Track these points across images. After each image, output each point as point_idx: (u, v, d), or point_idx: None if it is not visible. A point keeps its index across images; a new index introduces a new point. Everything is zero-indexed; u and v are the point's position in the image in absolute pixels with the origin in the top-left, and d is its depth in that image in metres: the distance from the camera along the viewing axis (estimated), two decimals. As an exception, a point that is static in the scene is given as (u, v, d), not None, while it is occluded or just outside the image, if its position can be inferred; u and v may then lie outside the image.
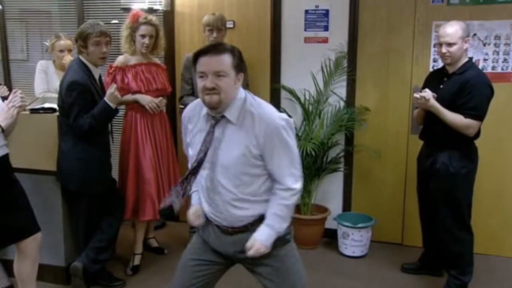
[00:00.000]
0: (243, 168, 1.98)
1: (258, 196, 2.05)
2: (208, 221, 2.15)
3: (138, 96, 3.53)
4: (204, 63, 1.93)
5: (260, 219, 2.05)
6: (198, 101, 2.10)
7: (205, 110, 2.03)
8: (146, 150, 3.56)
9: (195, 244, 2.23)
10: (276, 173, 2.02)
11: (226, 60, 1.93)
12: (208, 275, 2.17)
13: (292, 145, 2.02)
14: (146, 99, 3.52)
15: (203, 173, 2.05)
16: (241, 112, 1.99)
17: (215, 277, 2.21)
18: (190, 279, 2.15)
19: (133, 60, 3.57)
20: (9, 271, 3.13)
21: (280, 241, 2.08)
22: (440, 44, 3.06)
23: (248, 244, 2.01)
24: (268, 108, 2.06)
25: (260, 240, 2.00)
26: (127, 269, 3.62)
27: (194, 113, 2.12)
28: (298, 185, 2.05)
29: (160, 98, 3.61)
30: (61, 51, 3.81)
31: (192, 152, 2.10)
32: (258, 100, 2.08)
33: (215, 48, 1.95)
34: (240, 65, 2.00)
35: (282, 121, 2.01)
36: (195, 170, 2.04)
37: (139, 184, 3.54)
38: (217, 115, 2.00)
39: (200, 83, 1.95)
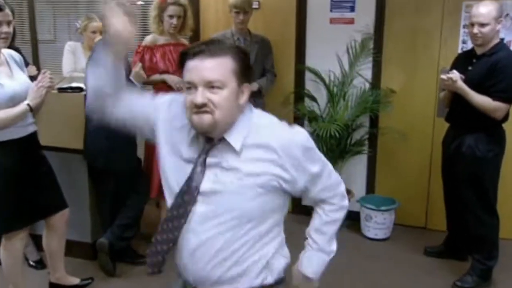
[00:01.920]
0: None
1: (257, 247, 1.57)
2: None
3: (165, 76, 3.55)
4: (193, 69, 1.41)
5: None
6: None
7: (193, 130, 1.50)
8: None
9: None
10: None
11: (224, 64, 1.41)
12: None
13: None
14: (173, 79, 3.54)
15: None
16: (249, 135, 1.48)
17: None
18: None
19: (161, 40, 3.59)
20: (38, 246, 3.23)
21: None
22: (471, 24, 2.97)
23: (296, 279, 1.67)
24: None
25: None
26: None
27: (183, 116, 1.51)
28: None
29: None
30: (93, 32, 3.87)
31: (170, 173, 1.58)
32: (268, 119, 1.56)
33: (208, 48, 1.41)
34: (245, 73, 1.46)
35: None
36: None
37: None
38: (215, 137, 1.47)
39: (187, 97, 1.43)
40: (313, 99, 4.16)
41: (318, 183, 1.61)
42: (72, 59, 4.02)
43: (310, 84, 4.20)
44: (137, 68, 3.10)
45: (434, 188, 3.94)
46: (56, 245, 2.98)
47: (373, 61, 4.02)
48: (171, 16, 3.53)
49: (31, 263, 3.41)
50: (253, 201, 1.46)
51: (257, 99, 3.66)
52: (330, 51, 4.07)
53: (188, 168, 1.49)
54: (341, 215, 1.70)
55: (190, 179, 1.48)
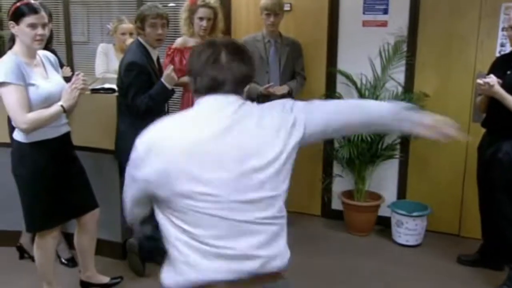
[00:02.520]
0: None
1: None
2: None
3: (194, 78, 3.56)
4: None
5: None
6: None
7: None
8: (201, 132, 3.60)
9: None
10: None
11: None
12: None
13: None
14: (202, 81, 3.55)
15: None
16: None
17: None
18: None
19: (191, 42, 3.61)
20: (70, 244, 3.28)
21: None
22: (511, 27, 2.90)
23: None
24: None
25: None
26: (180, 248, 3.70)
27: None
28: None
29: (216, 81, 3.63)
30: (123, 34, 3.91)
31: None
32: None
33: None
34: None
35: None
36: None
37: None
38: None
39: None
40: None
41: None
42: (104, 61, 4.08)
43: (342, 87, 4.15)
44: (168, 70, 3.11)
45: (468, 194, 3.84)
46: (87, 244, 3.02)
47: (406, 64, 3.96)
48: (201, 18, 3.54)
49: (63, 261, 3.47)
50: None
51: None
52: (363, 54, 4.02)
53: None
54: None
55: None
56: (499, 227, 3.13)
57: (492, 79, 2.91)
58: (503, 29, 3.59)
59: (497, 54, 3.61)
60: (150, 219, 3.36)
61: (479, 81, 2.96)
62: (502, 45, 3.64)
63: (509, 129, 2.99)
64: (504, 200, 3.04)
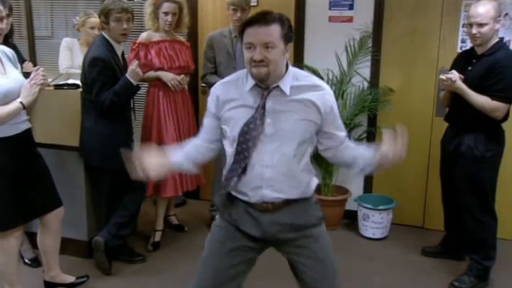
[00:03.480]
0: (303, 135, 1.94)
1: (304, 172, 2.01)
2: (237, 205, 2.01)
3: (160, 73, 3.53)
4: (252, 33, 1.84)
5: (295, 200, 2.01)
6: (230, 79, 2.02)
7: (250, 83, 1.93)
8: (168, 127, 3.57)
9: (221, 233, 2.06)
10: (338, 134, 2.04)
11: (275, 30, 1.84)
12: (243, 262, 2.03)
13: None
14: (168, 76, 3.52)
15: (250, 146, 1.90)
16: (294, 83, 1.93)
17: (249, 265, 2.07)
18: (225, 269, 2.00)
19: (156, 36, 3.57)
20: (34, 244, 3.21)
21: (315, 222, 2.05)
22: (470, 25, 2.95)
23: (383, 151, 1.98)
24: (317, 79, 2.03)
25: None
26: (147, 245, 3.67)
27: (231, 92, 1.98)
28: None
29: (182, 76, 3.61)
30: (92, 28, 3.85)
31: (231, 128, 1.95)
32: (304, 72, 2.08)
33: (263, 18, 1.85)
34: (288, 35, 1.90)
35: (329, 89, 2.01)
36: (245, 147, 1.90)
37: (161, 161, 3.55)
38: (270, 85, 1.91)
39: (247, 55, 1.87)
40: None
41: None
42: (69, 56, 4.00)
43: (308, 83, 4.17)
44: (133, 66, 3.07)
45: (432, 187, 3.93)
46: (50, 243, 2.96)
47: (372, 59, 4.01)
48: (166, 13, 3.50)
49: (26, 261, 3.39)
50: (303, 131, 1.94)
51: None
52: (329, 49, 4.05)
53: (251, 111, 1.91)
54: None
55: (253, 117, 1.89)
56: (461, 219, 3.20)
57: (454, 75, 2.97)
58: (463, 26, 3.68)
59: (459, 50, 3.69)
60: (130, 222, 3.36)
61: (442, 76, 3.02)
62: (463, 41, 3.73)
63: (470, 123, 3.05)
64: (466, 193, 3.11)
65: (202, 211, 4.32)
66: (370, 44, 3.97)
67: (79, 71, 3.42)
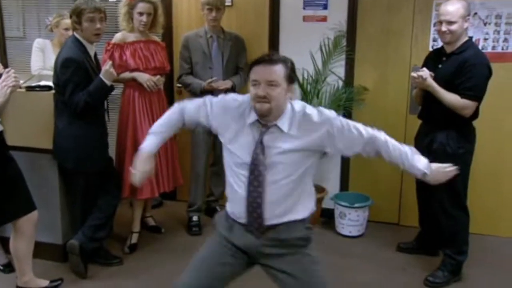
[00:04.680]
0: (300, 164, 2.08)
1: (303, 194, 2.15)
2: (232, 222, 2.18)
3: (136, 74, 3.50)
4: (258, 71, 2.02)
5: (293, 222, 2.15)
6: (243, 100, 2.15)
7: (252, 117, 2.08)
8: (144, 128, 3.53)
9: (215, 245, 2.20)
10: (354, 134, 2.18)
11: (279, 70, 2.01)
12: (229, 276, 2.18)
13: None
14: (143, 77, 3.50)
15: (247, 174, 2.07)
16: (292, 121, 2.07)
17: (233, 278, 2.21)
18: (210, 281, 2.12)
19: (131, 37, 3.54)
20: (7, 248, 3.15)
21: (305, 240, 2.20)
22: (440, 22, 3.01)
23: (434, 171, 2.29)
24: (312, 108, 2.15)
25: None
26: (124, 247, 3.64)
27: (237, 113, 2.14)
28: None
29: (158, 77, 3.59)
30: (66, 29, 3.79)
31: (237, 151, 2.11)
32: (300, 103, 2.18)
33: (269, 58, 2.04)
34: (291, 76, 2.07)
35: (331, 112, 2.14)
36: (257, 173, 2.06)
37: (136, 163, 3.53)
38: (268, 123, 2.05)
39: (253, 91, 2.02)
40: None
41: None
42: (41, 57, 3.94)
43: (284, 82, 4.18)
44: (107, 66, 3.04)
45: (407, 184, 3.98)
46: (24, 248, 2.90)
47: (346, 58, 4.04)
48: (140, 14, 3.48)
49: (-1, 266, 3.33)
50: (301, 165, 2.08)
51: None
52: (304, 48, 4.07)
53: (252, 145, 2.07)
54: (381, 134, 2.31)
55: (255, 153, 2.05)
56: (434, 215, 3.25)
57: (425, 72, 3.02)
58: (434, 25, 3.74)
59: (431, 49, 3.75)
60: (105, 224, 3.33)
61: (413, 74, 3.07)
62: (435, 39, 3.79)
63: (442, 121, 3.10)
64: (439, 189, 3.14)
65: (179, 212, 4.30)
66: (345, 44, 4.00)
67: (51, 72, 3.37)
